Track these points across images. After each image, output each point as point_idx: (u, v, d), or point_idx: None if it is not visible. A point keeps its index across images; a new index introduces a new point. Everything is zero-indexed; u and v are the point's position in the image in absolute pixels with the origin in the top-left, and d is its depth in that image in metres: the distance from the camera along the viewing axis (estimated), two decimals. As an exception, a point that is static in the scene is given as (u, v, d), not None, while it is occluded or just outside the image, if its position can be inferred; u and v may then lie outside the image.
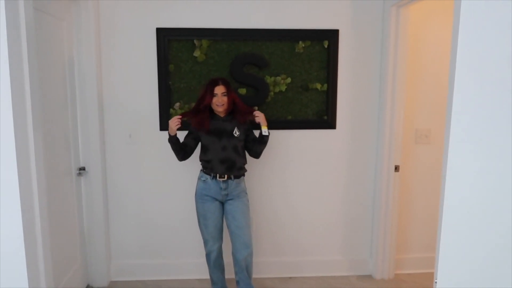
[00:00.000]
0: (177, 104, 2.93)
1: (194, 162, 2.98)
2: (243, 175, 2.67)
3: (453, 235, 0.97)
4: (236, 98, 2.57)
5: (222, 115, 2.57)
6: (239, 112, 2.57)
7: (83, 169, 2.82)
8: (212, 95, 2.50)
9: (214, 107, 2.52)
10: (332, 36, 2.92)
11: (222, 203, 2.64)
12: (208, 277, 3.05)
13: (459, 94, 0.94)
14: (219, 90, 2.50)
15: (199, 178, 2.64)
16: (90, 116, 2.80)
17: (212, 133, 2.54)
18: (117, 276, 3.09)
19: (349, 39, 2.95)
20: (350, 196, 3.16)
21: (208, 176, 2.58)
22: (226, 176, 2.56)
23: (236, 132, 2.56)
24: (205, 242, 2.67)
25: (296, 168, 3.09)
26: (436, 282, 1.08)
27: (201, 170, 2.65)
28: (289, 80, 2.95)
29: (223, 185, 2.56)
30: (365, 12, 2.94)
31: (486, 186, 0.94)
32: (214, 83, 2.51)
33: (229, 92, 2.52)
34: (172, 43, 2.86)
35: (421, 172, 3.18)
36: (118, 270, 3.10)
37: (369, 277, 3.21)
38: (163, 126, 2.94)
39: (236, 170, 2.57)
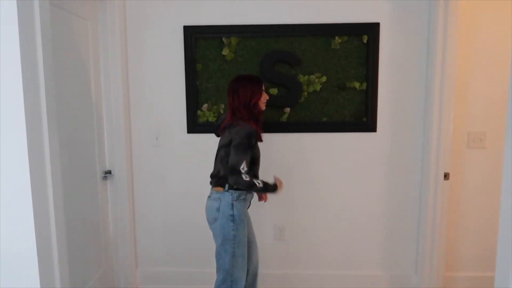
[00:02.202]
0: (205, 105, 2.79)
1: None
2: None
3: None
4: None
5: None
6: None
7: (109, 172, 2.75)
8: (261, 93, 2.21)
9: (262, 105, 2.24)
10: (372, 30, 2.66)
11: None
12: None
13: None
14: (263, 87, 2.25)
15: (236, 200, 2.17)
16: (116, 118, 2.73)
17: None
18: (143, 283, 3.00)
19: (391, 33, 2.68)
20: (392, 206, 2.88)
21: (249, 194, 2.26)
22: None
23: None
24: (234, 272, 2.18)
25: (331, 175, 2.85)
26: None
27: (234, 189, 2.17)
28: (324, 78, 2.73)
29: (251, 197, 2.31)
30: (409, 3, 2.65)
31: None
32: (260, 79, 2.24)
33: None
34: (199, 42, 2.73)
35: (474, 180, 2.83)
36: (144, 276, 3.00)
37: (413, 295, 2.90)
38: (191, 128, 2.81)
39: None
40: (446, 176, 2.71)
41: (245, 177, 2.08)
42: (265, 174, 2.85)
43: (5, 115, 1.67)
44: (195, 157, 2.85)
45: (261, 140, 2.23)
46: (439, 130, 2.67)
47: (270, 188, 2.22)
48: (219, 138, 2.30)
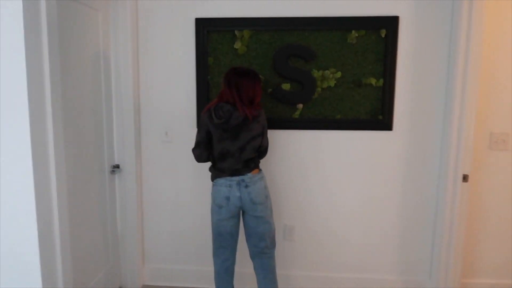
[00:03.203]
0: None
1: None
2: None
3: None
4: None
5: None
6: None
7: (117, 166, 2.71)
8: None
9: None
10: (390, 24, 2.55)
11: None
12: (247, 286, 2.87)
13: None
14: None
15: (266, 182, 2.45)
16: (126, 112, 2.68)
17: None
18: (150, 280, 2.96)
19: (411, 27, 2.56)
20: (407, 208, 2.77)
21: None
22: None
23: None
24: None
25: (344, 174, 2.76)
26: None
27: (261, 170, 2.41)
28: (339, 74, 2.63)
29: None
30: (431, -4, 2.54)
31: None
32: (257, 72, 2.38)
33: None
34: (211, 35, 2.66)
35: (496, 183, 2.70)
36: (151, 273, 2.96)
37: (427, 301, 2.79)
38: (201, 123, 2.75)
39: None
40: (465, 178, 2.59)
41: None
42: (276, 172, 2.78)
43: (8, 108, 1.63)
44: (205, 153, 2.78)
45: None
46: (459, 130, 2.55)
47: None
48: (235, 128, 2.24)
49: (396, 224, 2.80)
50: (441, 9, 2.54)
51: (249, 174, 2.29)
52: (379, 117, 2.66)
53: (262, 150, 2.38)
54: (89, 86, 2.38)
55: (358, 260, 2.85)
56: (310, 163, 2.76)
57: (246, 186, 2.27)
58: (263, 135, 2.33)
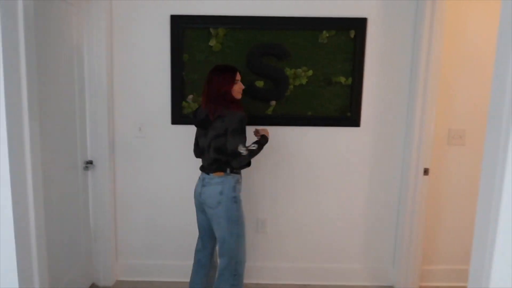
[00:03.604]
0: (190, 96, 2.76)
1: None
2: None
3: (501, 247, 0.77)
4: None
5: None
6: None
7: (90, 162, 2.69)
8: (234, 82, 2.27)
9: (236, 94, 2.28)
10: (359, 25, 2.68)
11: None
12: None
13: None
14: (239, 76, 2.30)
15: (236, 182, 2.28)
16: (99, 107, 2.66)
17: None
18: (123, 276, 2.96)
19: (378, 29, 2.71)
20: (373, 200, 2.93)
21: (239, 176, 2.33)
22: None
23: None
24: (240, 253, 2.29)
25: (315, 169, 2.88)
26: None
27: (234, 172, 2.28)
28: (310, 72, 2.74)
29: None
30: (397, 0, 2.68)
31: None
32: (235, 69, 2.30)
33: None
34: (186, 32, 2.69)
35: (453, 176, 2.91)
36: (125, 269, 2.96)
37: (391, 288, 2.97)
38: (175, 119, 2.77)
39: None
40: (426, 171, 2.78)
41: (245, 153, 2.17)
42: (249, 167, 2.85)
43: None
44: (179, 148, 2.81)
45: None
46: (421, 127, 2.73)
47: (264, 141, 2.31)
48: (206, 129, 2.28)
49: (363, 215, 2.95)
50: (406, 12, 2.70)
51: (211, 175, 2.26)
52: (347, 114, 2.80)
53: (229, 154, 2.18)
54: (62, 81, 2.35)
55: (328, 250, 2.98)
56: (281, 158, 2.85)
57: (203, 186, 2.28)
58: (227, 137, 2.18)
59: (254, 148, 2.23)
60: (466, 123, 2.84)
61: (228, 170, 2.26)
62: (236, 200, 2.26)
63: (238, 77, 2.29)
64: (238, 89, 2.29)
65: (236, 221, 2.26)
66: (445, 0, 2.59)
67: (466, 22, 2.73)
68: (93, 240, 2.81)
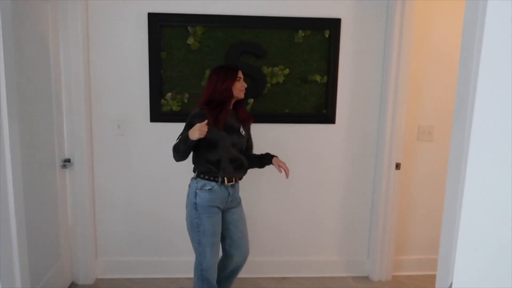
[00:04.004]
0: (169, 94, 2.78)
1: (190, 156, 2.86)
2: None
3: (466, 239, 0.86)
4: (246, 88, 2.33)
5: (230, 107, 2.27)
6: (243, 109, 2.35)
7: (68, 160, 2.67)
8: (236, 79, 2.21)
9: (237, 93, 2.23)
10: (333, 25, 2.77)
11: (222, 212, 2.30)
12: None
13: (483, 87, 0.81)
14: (241, 75, 2.26)
15: (200, 189, 2.20)
16: (76, 105, 2.65)
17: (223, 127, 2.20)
18: (103, 274, 2.96)
19: (352, 29, 2.81)
20: (348, 194, 3.04)
21: (214, 184, 2.21)
22: (234, 179, 2.26)
23: (242, 131, 2.30)
24: (202, 261, 2.23)
25: (292, 164, 2.94)
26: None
27: (201, 178, 2.22)
28: (287, 71, 2.81)
29: (231, 190, 2.26)
30: (369, 0, 2.79)
31: (500, 187, 0.83)
32: (236, 67, 2.26)
33: (245, 80, 2.32)
34: (165, 30, 2.71)
35: (422, 171, 3.05)
36: (104, 267, 2.96)
37: (366, 278, 3.09)
38: (154, 117, 2.79)
39: (243, 171, 2.32)
40: (397, 166, 2.91)
41: (173, 147, 2.17)
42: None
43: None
44: (159, 146, 2.84)
45: (218, 124, 2.16)
46: (392, 123, 2.85)
47: (184, 135, 2.12)
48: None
49: (339, 209, 3.05)
50: (378, 12, 2.80)
51: None
52: (323, 111, 2.89)
53: None
54: (38, 78, 2.33)
55: (305, 244, 3.07)
56: (260, 155, 2.91)
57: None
58: None
59: (177, 141, 2.18)
60: (435, 120, 2.98)
61: (195, 174, 2.26)
62: (196, 207, 2.19)
63: (240, 74, 2.25)
64: (239, 87, 2.24)
65: (195, 228, 2.20)
66: (414, 1, 2.70)
67: (434, 22, 2.87)
68: (72, 239, 2.80)
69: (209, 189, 2.20)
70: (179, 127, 2.80)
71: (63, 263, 2.70)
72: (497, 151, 0.83)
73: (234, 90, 2.22)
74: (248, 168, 2.38)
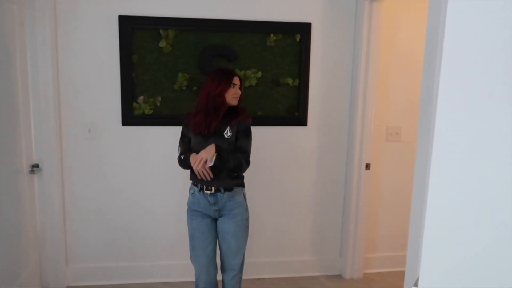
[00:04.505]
0: (141, 97, 2.76)
1: (160, 159, 2.85)
2: (239, 186, 2.25)
3: (430, 235, 0.91)
4: (241, 98, 2.27)
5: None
6: (233, 110, 2.23)
7: (36, 166, 2.60)
8: (230, 85, 2.15)
9: (229, 99, 2.17)
10: (304, 29, 2.83)
11: (216, 219, 2.26)
12: (172, 279, 2.94)
13: (444, 89, 0.86)
14: (237, 81, 2.20)
15: (189, 191, 2.27)
16: (45, 109, 2.59)
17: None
18: (74, 281, 2.89)
19: (322, 33, 2.88)
20: (320, 195, 3.10)
21: (195, 188, 2.20)
22: (213, 188, 2.16)
23: (228, 132, 2.17)
24: (195, 268, 2.28)
25: (265, 166, 2.99)
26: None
27: (192, 182, 2.26)
28: (259, 74, 2.84)
29: (211, 199, 2.17)
30: (338, 5, 2.86)
31: (465, 185, 0.88)
32: (232, 73, 2.21)
33: (241, 88, 2.26)
34: (136, 32, 2.69)
35: (391, 171, 3.15)
36: (76, 274, 2.89)
37: (338, 276, 3.16)
38: (126, 120, 2.76)
39: (223, 180, 2.15)
40: (367, 166, 2.99)
41: (178, 158, 2.24)
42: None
43: None
44: (131, 149, 2.81)
45: (199, 132, 2.15)
46: (362, 125, 2.94)
47: (187, 158, 2.15)
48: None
49: (311, 209, 3.11)
50: (347, 17, 2.88)
51: None
52: (295, 113, 2.94)
53: None
54: (3, 81, 2.26)
55: (277, 244, 3.11)
56: (234, 157, 2.93)
57: None
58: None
59: (181, 156, 2.21)
60: (402, 121, 3.09)
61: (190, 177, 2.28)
62: (187, 210, 2.29)
63: (235, 81, 2.19)
64: (232, 94, 2.17)
65: (188, 230, 2.29)
66: (381, 3, 2.79)
67: (401, 24, 2.97)
68: (41, 245, 2.72)
69: (192, 193, 2.25)
70: (152, 130, 2.81)
71: (31, 271, 2.62)
72: (459, 150, 0.88)
73: (227, 97, 2.16)
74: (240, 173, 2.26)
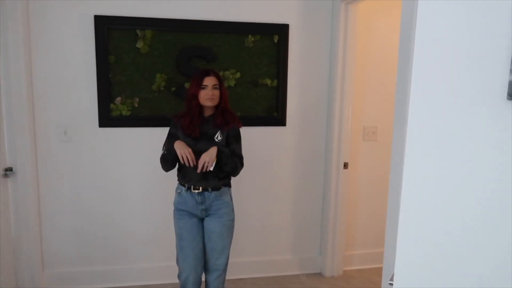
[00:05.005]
0: (118, 98, 2.72)
1: (138, 161, 2.82)
2: (226, 185, 2.30)
3: (404, 231, 0.94)
4: (226, 96, 2.26)
5: (208, 112, 2.23)
6: (224, 114, 2.24)
7: (10, 169, 2.54)
8: (200, 87, 2.16)
9: (202, 101, 2.17)
10: (282, 30, 2.85)
11: (203, 219, 2.28)
12: (150, 282, 2.91)
13: (417, 88, 0.89)
14: (210, 81, 2.16)
15: (176, 191, 2.29)
16: (18, 110, 2.52)
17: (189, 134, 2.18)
18: (51, 286, 2.82)
19: (299, 34, 2.91)
20: (300, 194, 3.13)
21: (182, 188, 2.24)
22: (201, 187, 2.21)
23: (218, 137, 2.20)
24: (180, 269, 2.26)
25: (245, 166, 2.99)
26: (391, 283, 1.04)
27: (178, 180, 2.29)
28: (238, 75, 2.85)
29: (198, 199, 2.21)
30: (316, 7, 2.90)
31: (438, 183, 0.91)
32: (204, 73, 2.18)
33: (221, 87, 2.22)
34: (112, 33, 2.65)
35: (368, 169, 3.21)
36: (52, 279, 2.83)
37: (319, 274, 3.20)
38: (103, 122, 2.72)
39: (212, 180, 2.20)
40: (345, 165, 3.04)
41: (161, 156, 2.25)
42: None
43: None
44: (108, 151, 2.77)
45: (189, 133, 2.18)
46: (339, 125, 2.98)
47: (169, 148, 2.19)
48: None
49: (291, 209, 3.13)
50: (324, 18, 2.93)
51: None
52: (274, 114, 2.96)
53: None
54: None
55: (258, 244, 3.12)
56: (213, 158, 2.93)
57: None
58: None
59: (165, 152, 2.24)
60: (378, 120, 3.15)
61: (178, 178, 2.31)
62: (173, 211, 2.31)
63: (207, 81, 2.16)
64: (204, 96, 2.16)
65: (175, 230, 2.30)
66: (356, 7, 2.85)
67: (376, 25, 3.03)
68: (16, 251, 2.65)
69: (178, 192, 2.28)
70: (130, 132, 2.78)
71: (7, 276, 2.55)
72: (431, 148, 0.91)
73: (200, 99, 2.18)
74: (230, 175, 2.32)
